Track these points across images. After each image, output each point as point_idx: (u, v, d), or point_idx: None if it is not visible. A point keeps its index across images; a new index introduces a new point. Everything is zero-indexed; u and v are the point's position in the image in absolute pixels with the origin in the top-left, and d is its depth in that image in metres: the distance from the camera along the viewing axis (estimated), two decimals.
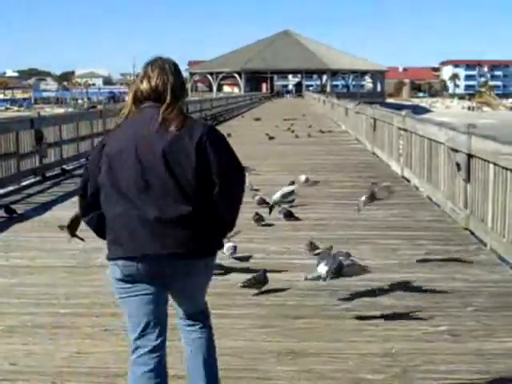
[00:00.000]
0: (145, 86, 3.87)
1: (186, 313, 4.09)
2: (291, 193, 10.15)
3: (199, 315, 4.11)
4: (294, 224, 10.37)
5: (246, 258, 8.28)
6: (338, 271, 6.41)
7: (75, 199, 12.82)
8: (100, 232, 3.98)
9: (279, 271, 7.82)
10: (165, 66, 3.89)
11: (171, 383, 4.14)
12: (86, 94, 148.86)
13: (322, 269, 6.33)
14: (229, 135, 27.19)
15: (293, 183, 11.58)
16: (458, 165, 10.13)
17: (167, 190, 3.69)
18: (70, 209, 11.88)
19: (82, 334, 5.94)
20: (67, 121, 18.89)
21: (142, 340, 3.85)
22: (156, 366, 3.83)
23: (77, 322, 6.25)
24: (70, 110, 78.75)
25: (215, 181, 3.77)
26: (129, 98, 3.95)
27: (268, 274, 7.02)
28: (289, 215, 10.58)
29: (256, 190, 12.18)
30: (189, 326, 4.11)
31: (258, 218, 10.16)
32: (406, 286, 7.23)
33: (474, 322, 6.16)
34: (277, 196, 9.68)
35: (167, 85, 3.83)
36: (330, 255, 6.70)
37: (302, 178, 12.70)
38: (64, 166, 17.49)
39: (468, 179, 9.84)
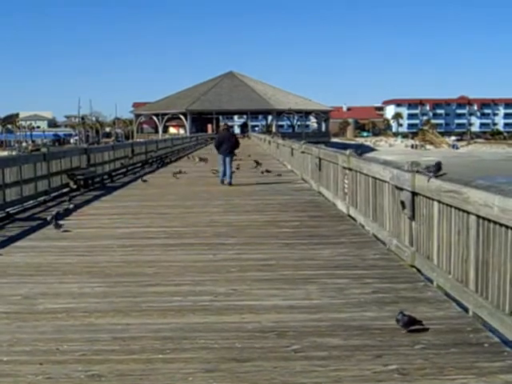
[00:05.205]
0: (224, 126, 28.21)
1: (229, 164, 24.93)
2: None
3: (230, 165, 25.13)
4: (241, 265, 10.32)
5: None
6: None
7: (19, 243, 12.63)
8: (218, 151, 25.37)
9: (227, 313, 7.77)
10: (227, 123, 32.35)
11: None
12: (31, 136, 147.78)
13: None
14: (175, 175, 27.20)
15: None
16: (402, 203, 10.22)
17: (229, 144, 25.17)
18: (12, 254, 11.68)
19: (25, 383, 5.77)
20: (10, 164, 18.53)
21: (221, 168, 25.14)
22: (223, 172, 25.07)
23: (20, 370, 6.07)
24: (15, 152, 77.98)
25: (235, 144, 25.55)
26: (221, 128, 33.06)
27: None
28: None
29: None
30: (227, 164, 24.86)
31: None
32: (353, 326, 7.22)
33: (422, 359, 6.14)
34: None
35: (227, 127, 27.94)
36: None
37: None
38: (8, 210, 17.18)
39: (413, 217, 9.92)
